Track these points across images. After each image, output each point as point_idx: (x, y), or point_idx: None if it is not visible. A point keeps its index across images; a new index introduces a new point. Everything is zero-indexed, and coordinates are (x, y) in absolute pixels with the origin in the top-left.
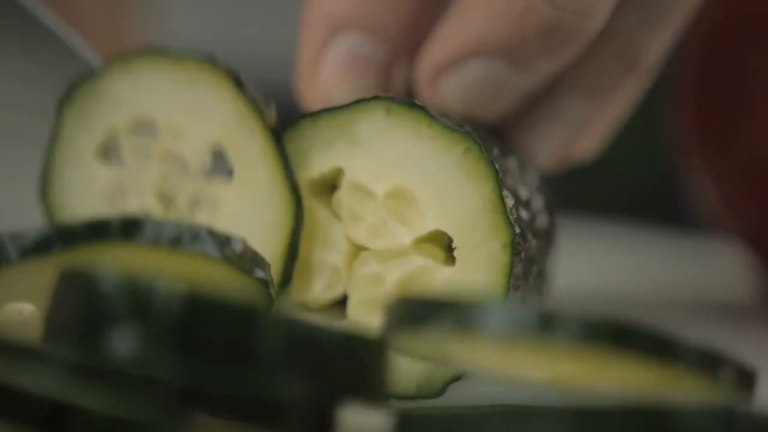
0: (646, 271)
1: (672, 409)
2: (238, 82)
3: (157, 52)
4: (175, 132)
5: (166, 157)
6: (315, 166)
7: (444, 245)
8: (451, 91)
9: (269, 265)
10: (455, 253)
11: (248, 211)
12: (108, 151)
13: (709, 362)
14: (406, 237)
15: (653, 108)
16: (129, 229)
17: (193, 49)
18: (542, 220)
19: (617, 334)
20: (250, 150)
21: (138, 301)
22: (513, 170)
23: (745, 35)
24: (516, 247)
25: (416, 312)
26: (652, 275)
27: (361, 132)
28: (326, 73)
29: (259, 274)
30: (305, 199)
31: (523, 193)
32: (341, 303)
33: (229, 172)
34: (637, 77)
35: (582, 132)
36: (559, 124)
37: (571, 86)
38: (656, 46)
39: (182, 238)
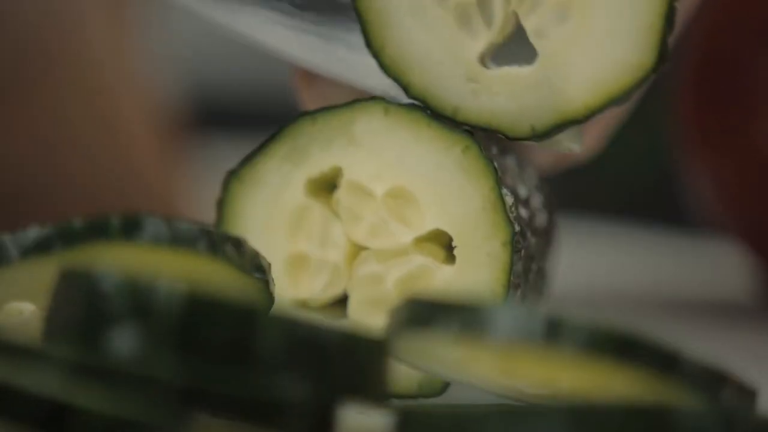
0: (645, 271)
1: (672, 410)
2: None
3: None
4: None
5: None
6: (314, 165)
7: (444, 244)
8: None
9: (269, 265)
10: (455, 252)
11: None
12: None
13: (712, 379)
14: (405, 236)
15: (652, 107)
16: (129, 228)
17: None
18: (541, 219)
19: (622, 346)
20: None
21: (138, 300)
22: (512, 169)
23: (744, 34)
24: (515, 245)
25: (421, 315)
26: (651, 275)
27: (360, 132)
28: (323, 81)
29: (259, 274)
30: (305, 196)
31: (522, 192)
32: (342, 302)
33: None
34: None
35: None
36: None
37: None
38: None
39: (183, 238)
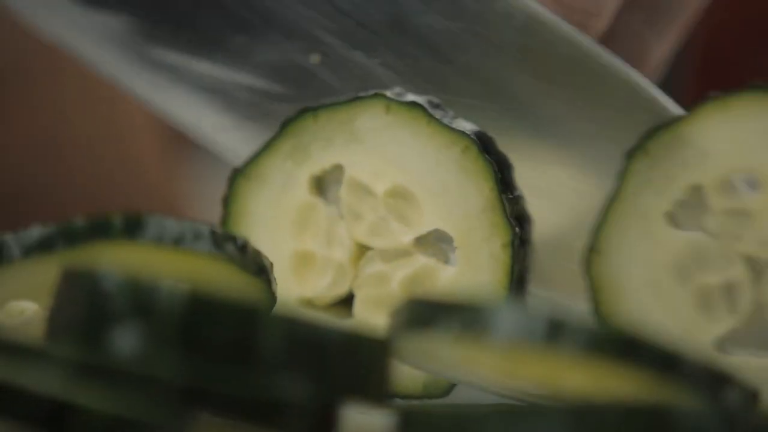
0: None
1: (672, 410)
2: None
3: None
4: (405, 195)
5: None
6: (316, 161)
7: (446, 244)
8: None
9: (271, 265)
10: (457, 253)
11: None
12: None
13: (713, 379)
14: (406, 236)
15: None
16: (131, 228)
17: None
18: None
19: (623, 346)
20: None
21: (140, 300)
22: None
23: (746, 36)
24: (515, 246)
25: (423, 315)
26: None
27: (361, 128)
28: None
29: (261, 273)
30: (308, 194)
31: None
32: (347, 301)
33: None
34: (643, 74)
35: None
36: None
37: None
38: (661, 46)
39: (185, 237)
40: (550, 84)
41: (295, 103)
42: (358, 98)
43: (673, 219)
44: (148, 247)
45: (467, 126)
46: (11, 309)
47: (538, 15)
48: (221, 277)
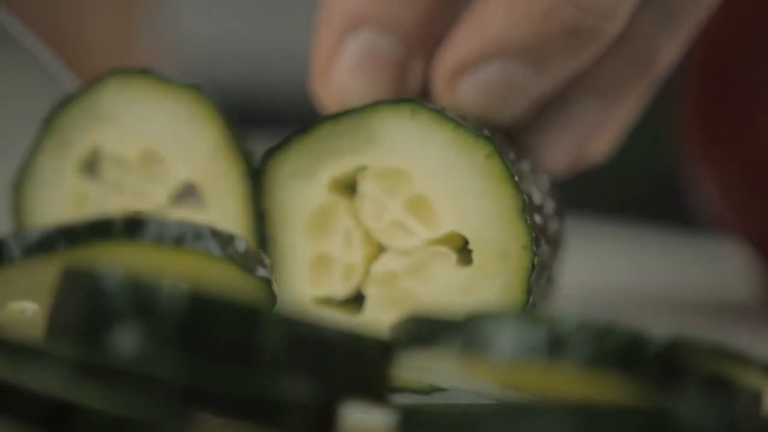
0: (649, 271)
1: (674, 411)
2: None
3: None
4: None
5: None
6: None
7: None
8: (469, 92)
9: (271, 264)
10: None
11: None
12: (87, 167)
13: (716, 389)
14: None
15: (657, 108)
16: (132, 228)
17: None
18: (553, 225)
19: (626, 359)
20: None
21: (141, 300)
22: (527, 174)
23: (749, 37)
24: (533, 252)
25: (423, 333)
26: (654, 275)
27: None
28: (341, 70)
29: (262, 272)
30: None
31: (537, 198)
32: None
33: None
34: (651, 79)
35: (595, 135)
36: (572, 127)
37: (585, 88)
38: (672, 49)
39: (185, 237)
40: None
41: None
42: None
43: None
44: (148, 247)
45: None
46: (11, 309)
47: None
48: (222, 277)
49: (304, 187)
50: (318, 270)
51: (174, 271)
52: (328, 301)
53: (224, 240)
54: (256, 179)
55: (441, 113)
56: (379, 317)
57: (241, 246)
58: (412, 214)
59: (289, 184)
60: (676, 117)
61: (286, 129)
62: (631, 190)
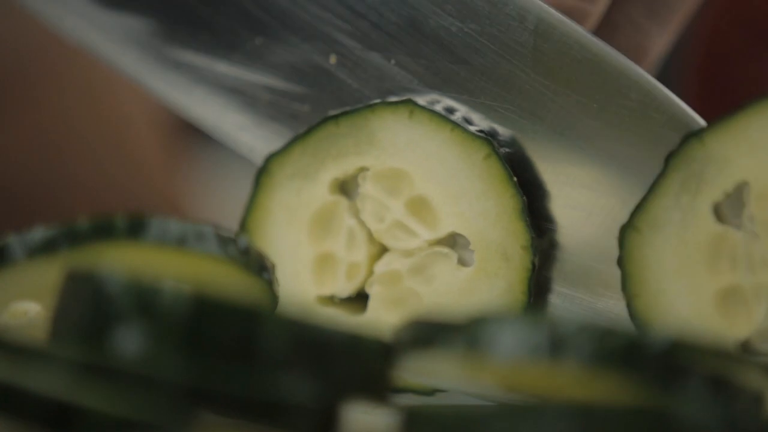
0: None
1: (676, 411)
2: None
3: (434, 112)
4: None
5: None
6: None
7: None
8: None
9: (274, 266)
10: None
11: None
12: (342, 188)
13: (717, 386)
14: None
15: None
16: (134, 228)
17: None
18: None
19: (627, 359)
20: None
21: (144, 301)
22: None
23: (747, 36)
24: (533, 250)
25: (426, 335)
26: None
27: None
28: None
29: (264, 274)
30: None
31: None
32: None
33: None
34: (644, 64)
35: None
36: None
37: None
38: (661, 38)
39: (187, 238)
40: (563, 85)
41: (314, 102)
42: (381, 104)
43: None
44: (151, 248)
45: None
46: (15, 310)
47: (550, 17)
48: (224, 278)
49: (305, 187)
50: (321, 269)
51: (176, 271)
52: (331, 300)
53: (226, 241)
54: (258, 179)
55: (439, 114)
56: (381, 316)
57: (243, 247)
58: (414, 214)
59: (290, 185)
60: None
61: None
62: None
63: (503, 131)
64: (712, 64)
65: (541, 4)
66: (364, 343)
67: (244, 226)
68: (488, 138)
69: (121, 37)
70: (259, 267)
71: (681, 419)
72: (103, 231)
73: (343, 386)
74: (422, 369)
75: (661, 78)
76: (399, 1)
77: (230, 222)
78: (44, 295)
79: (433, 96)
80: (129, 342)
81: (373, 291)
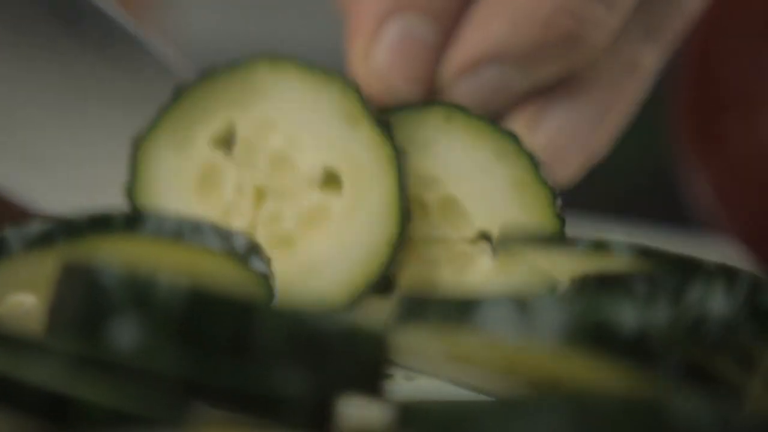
0: None
1: (670, 406)
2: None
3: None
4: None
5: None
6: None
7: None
8: (466, 93)
9: (270, 259)
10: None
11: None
12: (221, 143)
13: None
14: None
15: (650, 107)
16: (131, 221)
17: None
18: None
19: (598, 338)
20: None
21: (140, 294)
22: None
23: (739, 34)
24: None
25: (412, 308)
26: None
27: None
28: (382, 51)
29: (260, 266)
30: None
31: None
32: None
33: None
34: (639, 82)
35: (594, 131)
36: (572, 126)
37: (580, 89)
38: (655, 55)
39: (184, 231)
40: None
41: None
42: (418, 105)
43: (215, 145)
44: (147, 241)
45: None
46: (11, 302)
47: None
48: (220, 271)
49: (182, 153)
50: (207, 189)
51: (172, 264)
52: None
53: (223, 234)
54: (134, 157)
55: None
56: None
57: (239, 240)
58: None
59: (165, 155)
60: (670, 116)
61: None
62: (627, 189)
63: None
64: (707, 62)
65: None
66: (359, 337)
67: (130, 192)
68: (523, 141)
69: None
70: (255, 260)
71: (675, 414)
72: (100, 224)
73: (338, 380)
74: (409, 347)
75: (658, 77)
76: None
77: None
78: (40, 288)
79: None
80: (125, 334)
81: (258, 233)
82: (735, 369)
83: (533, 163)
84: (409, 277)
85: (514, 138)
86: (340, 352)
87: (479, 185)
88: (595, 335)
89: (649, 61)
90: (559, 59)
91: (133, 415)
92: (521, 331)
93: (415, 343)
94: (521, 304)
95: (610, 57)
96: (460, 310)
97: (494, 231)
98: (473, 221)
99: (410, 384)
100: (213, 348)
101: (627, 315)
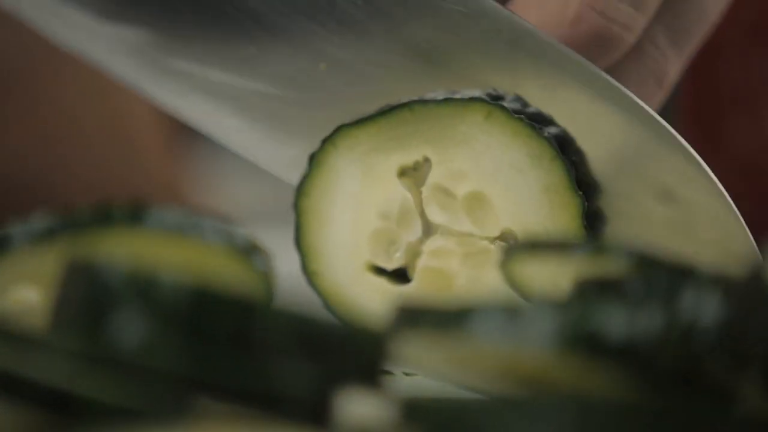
0: None
1: (674, 407)
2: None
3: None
4: (480, 198)
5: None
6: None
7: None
8: None
9: (270, 256)
10: None
11: None
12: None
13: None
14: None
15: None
16: (134, 217)
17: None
18: None
19: (591, 343)
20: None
21: (143, 290)
22: None
23: (740, 33)
24: None
25: (408, 319)
26: None
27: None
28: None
29: (261, 264)
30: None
31: None
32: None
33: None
34: (664, 89)
35: None
36: None
37: None
38: (680, 62)
39: (186, 227)
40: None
41: (306, 106)
42: (459, 100)
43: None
44: (150, 236)
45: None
46: (14, 297)
47: (524, 29)
48: (222, 268)
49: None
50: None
51: (175, 259)
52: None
53: (224, 230)
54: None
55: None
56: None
57: (241, 236)
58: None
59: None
60: (670, 115)
61: None
62: None
63: None
64: (708, 59)
65: (516, 17)
66: (360, 333)
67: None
68: (551, 139)
69: (118, 47)
70: (257, 257)
71: (678, 416)
72: (103, 219)
73: (339, 375)
74: (406, 354)
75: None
76: (383, 14)
77: (228, 212)
78: (44, 283)
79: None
80: (128, 331)
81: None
82: (727, 374)
83: (567, 170)
84: (424, 268)
85: (551, 143)
86: (341, 348)
87: (511, 185)
88: (587, 343)
89: (674, 69)
90: (589, 58)
91: (136, 411)
92: (513, 339)
93: (413, 350)
94: (513, 313)
95: (636, 63)
96: (453, 319)
97: (518, 232)
98: (499, 220)
99: (410, 379)
100: (215, 344)
101: (619, 322)
